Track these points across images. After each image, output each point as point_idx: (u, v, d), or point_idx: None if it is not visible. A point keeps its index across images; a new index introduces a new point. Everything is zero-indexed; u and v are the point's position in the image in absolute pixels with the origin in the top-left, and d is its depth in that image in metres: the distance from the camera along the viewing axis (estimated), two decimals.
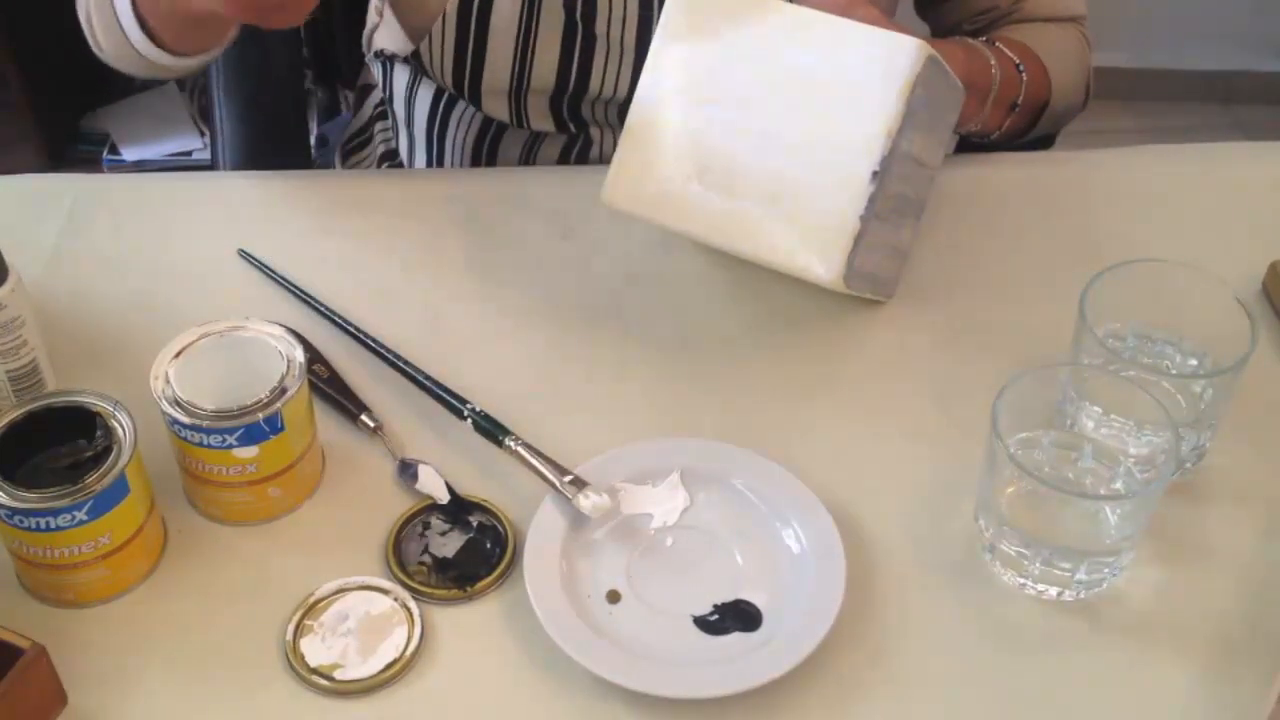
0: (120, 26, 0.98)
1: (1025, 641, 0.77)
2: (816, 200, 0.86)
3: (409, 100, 1.21)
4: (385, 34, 1.17)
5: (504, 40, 1.07)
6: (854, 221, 0.85)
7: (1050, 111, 1.11)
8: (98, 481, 0.73)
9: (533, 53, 1.08)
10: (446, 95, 1.17)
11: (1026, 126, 1.11)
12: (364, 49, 1.23)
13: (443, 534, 0.81)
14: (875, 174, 0.85)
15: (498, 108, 1.13)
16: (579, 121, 1.14)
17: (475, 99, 1.12)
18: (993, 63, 1.03)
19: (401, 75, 1.21)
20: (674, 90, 0.89)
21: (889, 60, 0.85)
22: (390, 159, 1.28)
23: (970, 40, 1.06)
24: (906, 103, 0.84)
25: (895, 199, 0.89)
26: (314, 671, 0.74)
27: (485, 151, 1.18)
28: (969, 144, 1.12)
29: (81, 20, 1.03)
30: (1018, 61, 1.05)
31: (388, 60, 1.20)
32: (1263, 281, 0.98)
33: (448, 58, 1.09)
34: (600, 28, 1.07)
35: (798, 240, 0.86)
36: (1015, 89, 1.06)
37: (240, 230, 1.01)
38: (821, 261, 0.86)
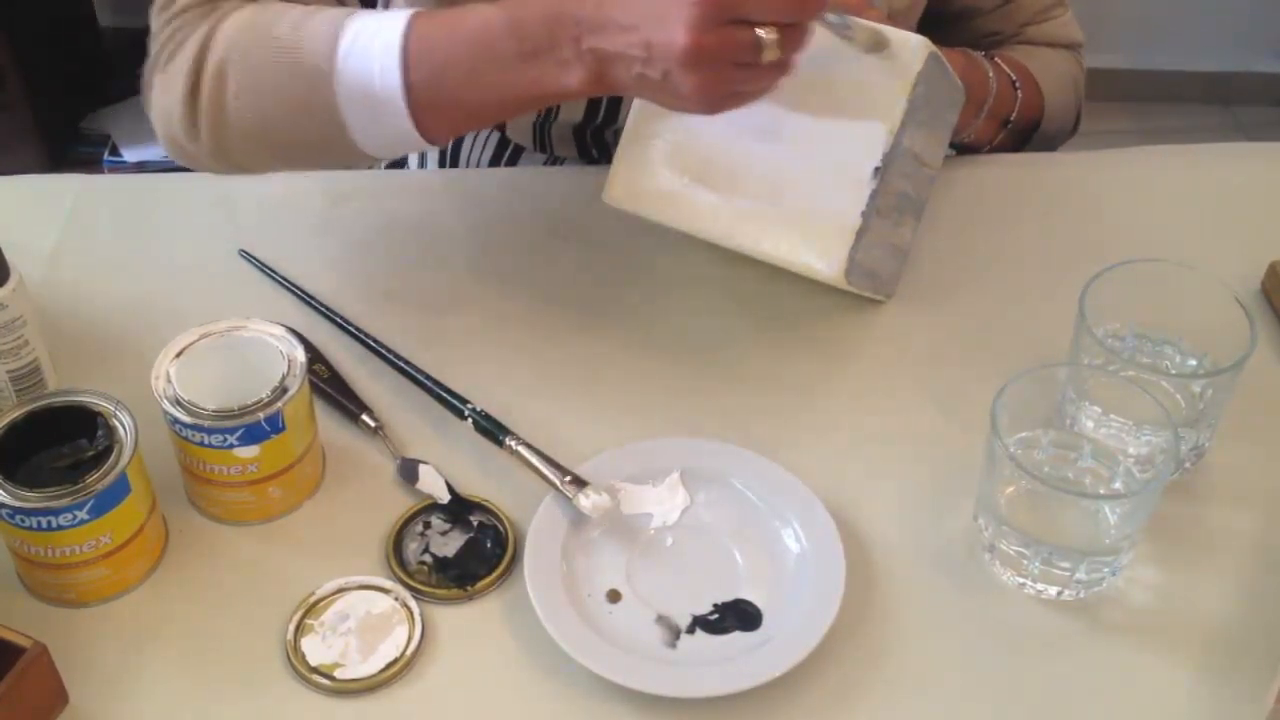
0: (341, 112, 0.84)
1: (1024, 641, 0.77)
2: (819, 195, 0.86)
3: None
4: None
5: None
6: (856, 217, 0.85)
7: (1041, 133, 1.11)
8: (99, 481, 0.73)
9: None
10: None
11: (1016, 145, 1.11)
12: None
13: (443, 533, 0.81)
14: (877, 169, 0.85)
15: (521, 135, 1.11)
16: (601, 147, 1.13)
17: (500, 125, 1.11)
18: (990, 75, 1.03)
19: None
20: None
21: (892, 55, 0.85)
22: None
23: (971, 52, 1.06)
24: (909, 98, 0.85)
25: (896, 196, 0.89)
26: (314, 671, 0.74)
27: None
28: (962, 152, 1.12)
29: (168, 113, 0.89)
30: (1014, 79, 1.06)
31: None
32: (1262, 282, 0.98)
33: None
34: None
35: (799, 235, 0.86)
36: (1010, 105, 1.06)
37: (241, 231, 1.01)
38: (823, 257, 0.86)
